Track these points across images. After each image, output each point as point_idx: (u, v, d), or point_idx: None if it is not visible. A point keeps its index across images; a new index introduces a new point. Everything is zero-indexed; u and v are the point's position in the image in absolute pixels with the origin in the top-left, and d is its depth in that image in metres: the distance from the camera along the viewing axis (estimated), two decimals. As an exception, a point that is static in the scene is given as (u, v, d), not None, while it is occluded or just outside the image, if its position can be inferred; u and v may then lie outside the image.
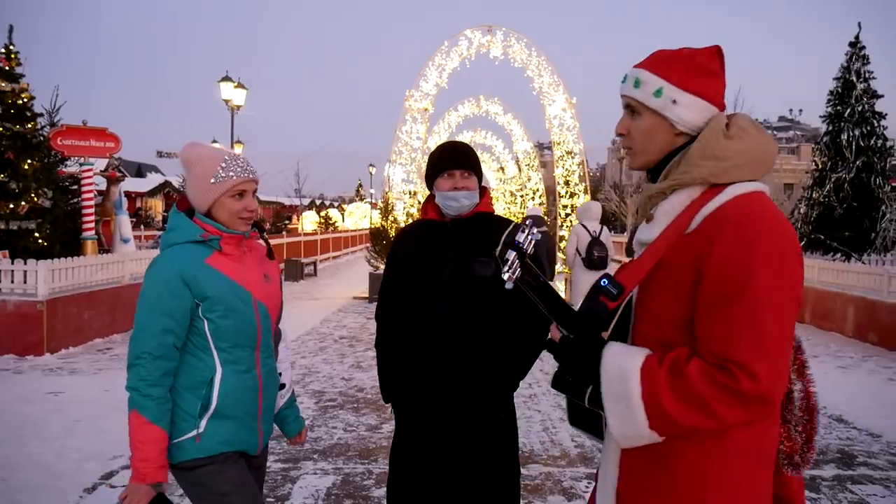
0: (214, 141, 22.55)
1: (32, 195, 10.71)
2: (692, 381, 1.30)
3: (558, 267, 13.82)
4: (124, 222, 12.41)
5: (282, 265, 17.19)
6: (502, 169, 30.96)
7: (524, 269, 1.45)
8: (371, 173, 47.45)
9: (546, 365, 7.59)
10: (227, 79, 18.41)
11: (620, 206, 33.21)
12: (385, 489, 2.75)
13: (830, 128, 15.71)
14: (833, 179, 15.19)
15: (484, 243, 2.41)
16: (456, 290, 2.44)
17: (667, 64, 1.48)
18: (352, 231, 36.42)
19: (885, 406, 6.29)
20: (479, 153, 3.35)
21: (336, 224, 40.98)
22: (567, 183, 15.54)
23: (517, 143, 23.54)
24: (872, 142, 15.24)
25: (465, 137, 25.50)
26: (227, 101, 18.47)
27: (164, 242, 2.12)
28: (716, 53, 1.50)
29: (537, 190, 21.48)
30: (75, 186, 12.04)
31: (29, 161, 10.92)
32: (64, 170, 12.31)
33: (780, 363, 1.32)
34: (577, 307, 1.47)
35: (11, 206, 10.57)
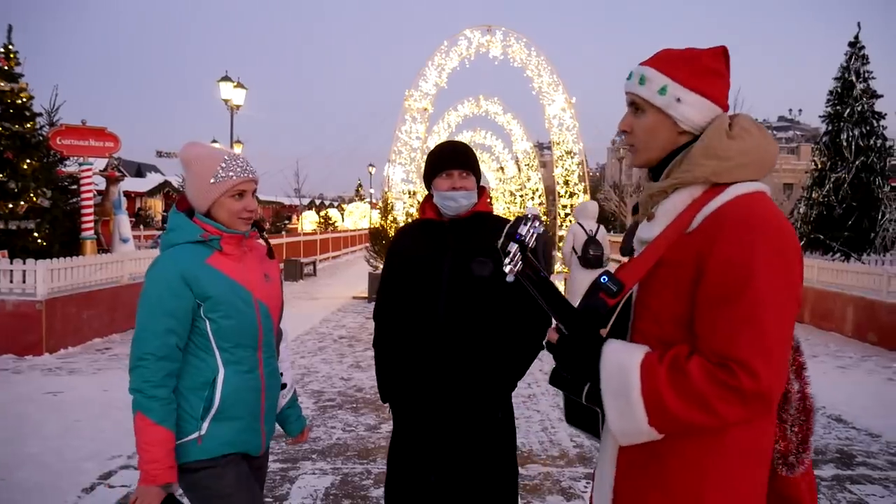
0: (214, 141, 22.55)
1: (31, 195, 10.71)
2: (693, 378, 1.31)
3: (557, 266, 13.82)
4: (123, 222, 12.42)
5: (281, 265, 17.18)
6: (502, 169, 30.92)
7: (525, 262, 1.45)
8: (370, 173, 47.50)
9: (545, 365, 7.58)
10: (226, 78, 18.43)
11: (620, 205, 33.23)
12: (383, 489, 2.75)
13: (830, 128, 15.69)
14: (832, 179, 15.18)
15: (482, 243, 2.40)
16: (454, 290, 2.43)
17: (672, 62, 1.49)
18: (351, 231, 36.36)
19: (885, 406, 6.29)
20: (478, 153, 3.35)
21: (335, 224, 40.91)
22: (566, 183, 15.53)
23: (517, 142, 23.50)
24: (872, 142, 15.23)
25: (464, 137, 25.48)
26: (226, 101, 18.49)
27: (165, 243, 2.11)
28: (721, 54, 1.51)
29: (537, 190, 21.46)
30: (74, 186, 12.03)
31: (28, 161, 10.92)
32: (63, 169, 12.30)
33: (780, 362, 1.33)
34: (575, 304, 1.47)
35: (10, 205, 10.57)
